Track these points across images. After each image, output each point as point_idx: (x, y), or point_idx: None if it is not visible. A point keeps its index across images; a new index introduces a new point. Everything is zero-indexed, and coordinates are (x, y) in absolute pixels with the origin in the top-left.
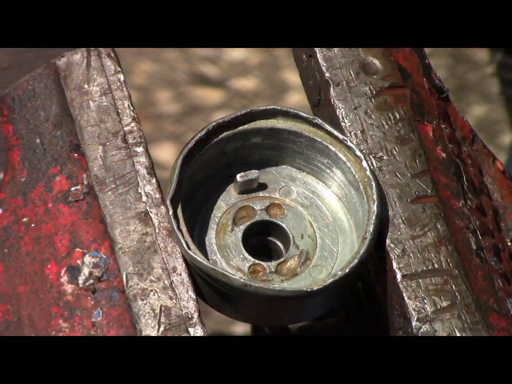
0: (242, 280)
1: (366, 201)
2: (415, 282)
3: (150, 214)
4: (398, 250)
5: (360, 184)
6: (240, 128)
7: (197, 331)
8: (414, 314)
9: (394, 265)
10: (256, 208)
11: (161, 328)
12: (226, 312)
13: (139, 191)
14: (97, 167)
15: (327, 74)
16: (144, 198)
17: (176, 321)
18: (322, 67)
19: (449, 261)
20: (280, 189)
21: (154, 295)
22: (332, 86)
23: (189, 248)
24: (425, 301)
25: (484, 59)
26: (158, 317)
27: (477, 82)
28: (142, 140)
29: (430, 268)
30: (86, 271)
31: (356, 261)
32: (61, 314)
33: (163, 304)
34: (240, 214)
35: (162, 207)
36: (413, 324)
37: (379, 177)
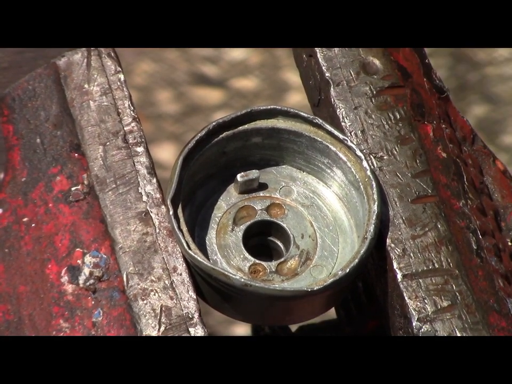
0: (242, 280)
1: (366, 201)
2: (416, 282)
3: (151, 214)
4: (399, 250)
5: (360, 184)
6: (240, 128)
7: (197, 331)
8: (414, 314)
9: (395, 265)
10: (256, 208)
11: (162, 328)
12: (227, 312)
13: (139, 191)
14: (97, 167)
15: (327, 74)
16: (144, 198)
17: (177, 321)
18: (323, 67)
19: (449, 260)
20: (280, 188)
21: (154, 295)
22: (332, 86)
23: (189, 248)
24: (425, 300)
25: (484, 59)
26: (158, 317)
27: (477, 82)
28: (143, 139)
29: (430, 267)
30: (86, 271)
31: (356, 260)
32: (61, 314)
33: (163, 304)
34: (241, 214)
35: (163, 207)
36: (414, 324)
37: (379, 177)
